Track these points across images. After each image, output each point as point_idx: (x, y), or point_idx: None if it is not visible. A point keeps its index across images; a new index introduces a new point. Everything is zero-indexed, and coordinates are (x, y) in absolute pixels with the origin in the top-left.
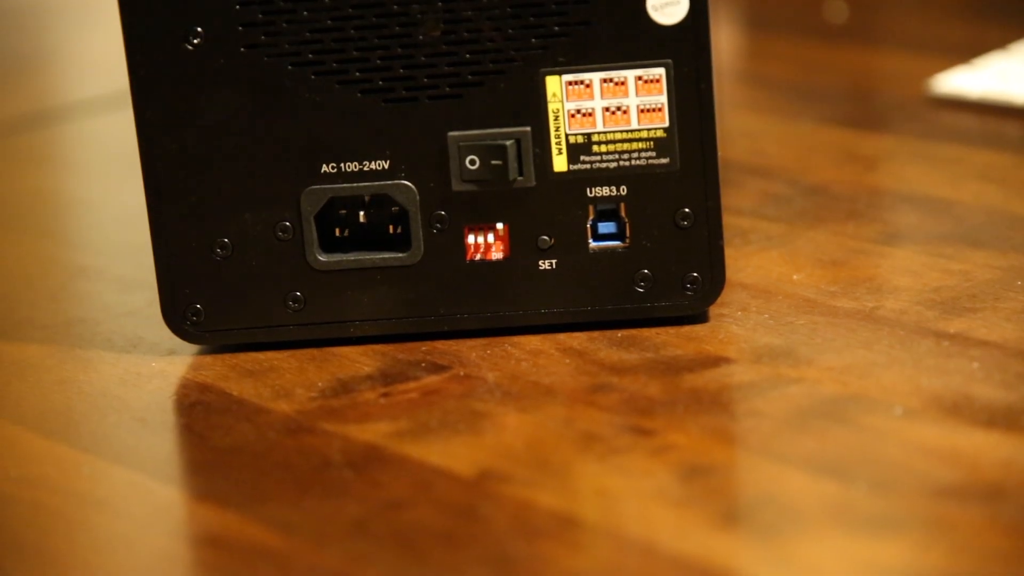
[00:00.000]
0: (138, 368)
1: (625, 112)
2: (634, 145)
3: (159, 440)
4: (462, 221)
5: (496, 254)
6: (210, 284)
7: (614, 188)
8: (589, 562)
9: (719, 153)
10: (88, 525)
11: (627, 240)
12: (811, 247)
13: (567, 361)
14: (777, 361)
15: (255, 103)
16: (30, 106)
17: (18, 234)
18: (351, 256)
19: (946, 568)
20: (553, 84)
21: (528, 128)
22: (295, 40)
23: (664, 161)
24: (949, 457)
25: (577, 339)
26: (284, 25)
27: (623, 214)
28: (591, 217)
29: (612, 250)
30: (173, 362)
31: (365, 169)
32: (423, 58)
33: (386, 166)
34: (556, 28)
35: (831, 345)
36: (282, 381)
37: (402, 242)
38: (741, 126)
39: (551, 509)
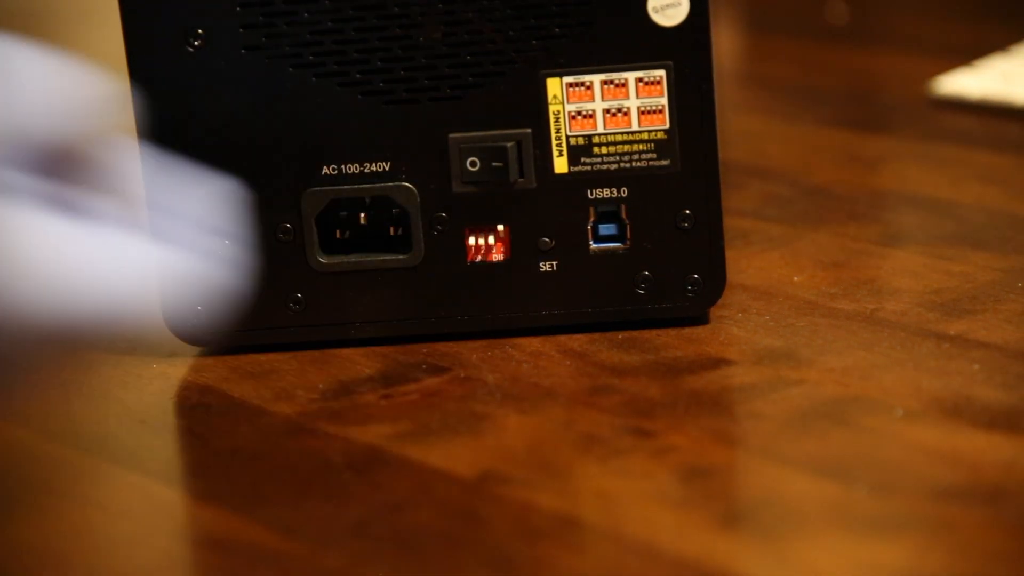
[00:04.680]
0: (139, 370)
1: (626, 114)
2: (635, 147)
3: (160, 442)
4: (463, 223)
5: (497, 256)
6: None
7: (615, 190)
8: (590, 563)
9: (720, 154)
10: (89, 527)
11: (628, 242)
12: (812, 248)
13: (568, 363)
14: (778, 363)
15: (256, 105)
16: None
17: None
18: (352, 258)
19: (947, 569)
20: (554, 86)
21: (529, 130)
22: (296, 42)
23: (665, 163)
24: (950, 459)
25: (578, 341)
26: (285, 27)
27: (624, 216)
28: (592, 219)
29: (613, 252)
30: (174, 364)
31: (366, 171)
32: (424, 60)
33: (387, 168)
34: (557, 30)
35: (832, 347)
36: (283, 383)
37: (403, 244)
38: (742, 127)
39: (552, 510)
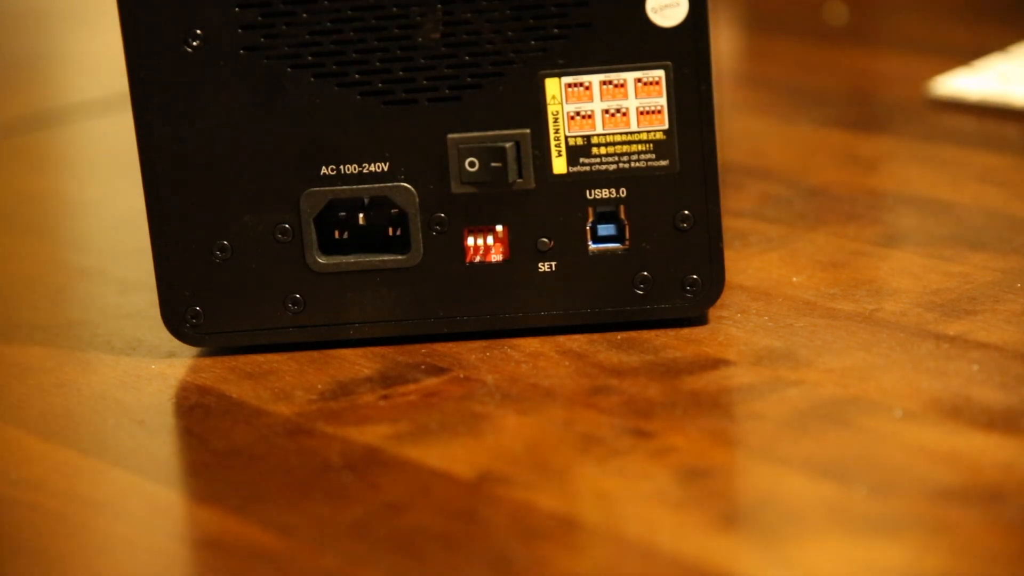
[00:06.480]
0: (138, 370)
1: (624, 114)
2: (634, 147)
3: (158, 442)
4: (461, 223)
5: (496, 256)
6: (210, 286)
7: (614, 190)
8: (588, 564)
9: (719, 155)
10: (88, 527)
11: (627, 242)
12: (811, 249)
13: (567, 363)
14: (777, 363)
15: (254, 105)
16: (30, 108)
17: (18, 235)
18: (350, 258)
19: (946, 570)
20: (552, 86)
21: (527, 130)
22: (294, 42)
23: (664, 163)
24: (949, 459)
25: (577, 341)
26: (283, 28)
27: (623, 216)
28: (591, 219)
29: (612, 252)
30: (172, 364)
31: (364, 171)
32: (422, 60)
33: (385, 168)
34: (555, 30)
35: (831, 347)
36: (281, 383)
37: (401, 244)
38: (741, 128)
39: (551, 511)
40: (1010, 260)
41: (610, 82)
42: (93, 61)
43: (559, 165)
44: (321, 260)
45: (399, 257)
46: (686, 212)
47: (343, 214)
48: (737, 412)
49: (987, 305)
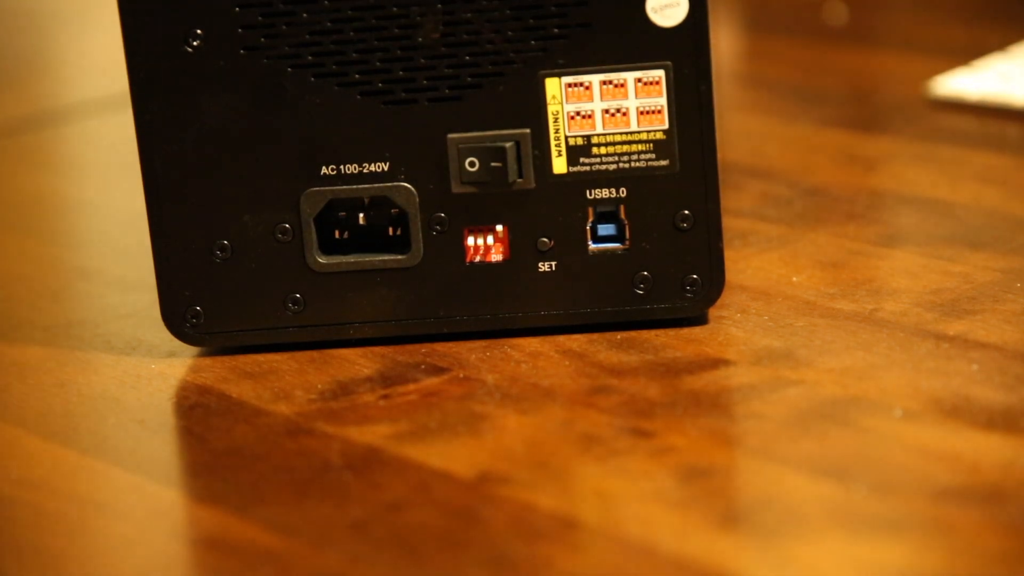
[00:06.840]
0: (138, 370)
1: (625, 114)
2: (634, 147)
3: (159, 442)
4: (462, 223)
5: (496, 256)
6: (210, 286)
7: (614, 190)
8: (588, 564)
9: (719, 155)
10: (88, 527)
11: (627, 242)
12: (811, 249)
13: (567, 363)
14: (777, 363)
15: (255, 105)
16: (30, 108)
17: (18, 235)
18: (351, 258)
19: (946, 570)
20: (552, 86)
21: (528, 130)
22: (295, 42)
23: (664, 163)
24: (949, 459)
25: (577, 341)
26: (284, 28)
27: (623, 216)
28: (591, 219)
29: (612, 252)
30: (173, 364)
31: (365, 171)
32: (423, 60)
33: (386, 168)
34: (556, 30)
35: (831, 347)
36: (282, 383)
37: (402, 244)
38: (741, 128)
39: (550, 511)
40: (1010, 260)
41: (610, 82)
42: (93, 61)
43: (559, 165)
44: (321, 260)
45: (399, 257)
46: (686, 212)
47: (343, 214)
48: (737, 412)
49: (987, 305)
